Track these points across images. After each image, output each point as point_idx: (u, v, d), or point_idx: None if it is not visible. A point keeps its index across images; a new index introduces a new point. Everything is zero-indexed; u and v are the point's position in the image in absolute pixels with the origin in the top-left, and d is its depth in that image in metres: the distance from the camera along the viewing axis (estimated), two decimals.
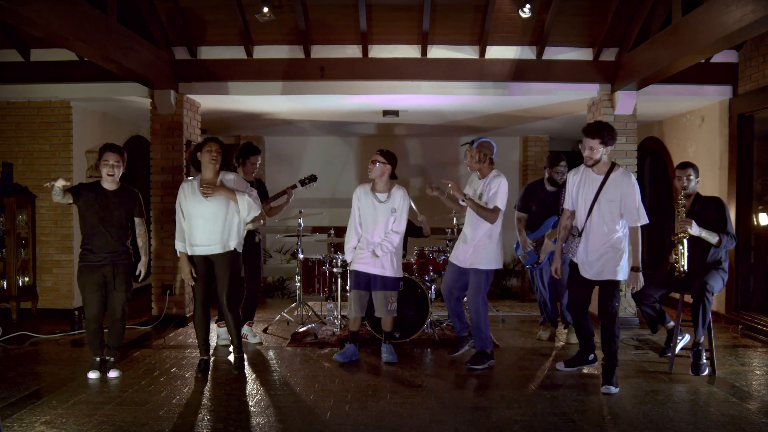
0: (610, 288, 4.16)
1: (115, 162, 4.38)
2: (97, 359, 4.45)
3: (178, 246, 4.50)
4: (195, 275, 4.46)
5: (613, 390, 4.08)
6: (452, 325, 6.00)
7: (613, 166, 4.12)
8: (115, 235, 4.41)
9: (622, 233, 4.10)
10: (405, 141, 9.81)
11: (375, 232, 4.79)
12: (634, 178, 4.10)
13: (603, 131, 4.04)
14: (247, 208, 4.38)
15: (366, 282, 4.81)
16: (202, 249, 4.41)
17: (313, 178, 5.58)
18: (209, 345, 4.63)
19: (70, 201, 4.31)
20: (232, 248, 4.44)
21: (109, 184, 4.43)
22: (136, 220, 4.54)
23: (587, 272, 4.22)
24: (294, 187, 5.45)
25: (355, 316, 4.85)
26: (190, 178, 4.58)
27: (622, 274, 4.11)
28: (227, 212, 4.41)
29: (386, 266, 4.76)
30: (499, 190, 4.52)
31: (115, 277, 4.40)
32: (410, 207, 5.86)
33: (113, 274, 4.39)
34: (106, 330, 4.49)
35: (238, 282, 4.67)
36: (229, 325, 4.54)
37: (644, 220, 4.05)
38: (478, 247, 4.59)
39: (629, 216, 4.07)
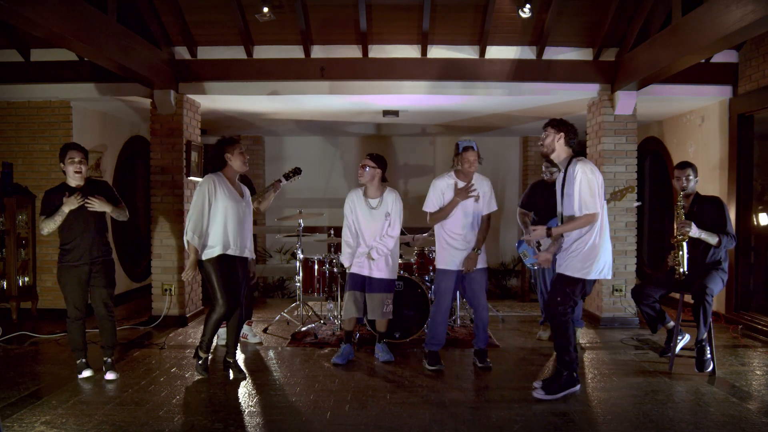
0: (560, 282, 3.98)
1: (80, 159, 4.34)
2: (83, 360, 4.42)
3: (193, 240, 4.21)
4: (222, 275, 4.27)
5: (543, 396, 3.96)
6: (452, 326, 6.04)
7: (571, 160, 3.98)
8: (90, 231, 4.35)
9: (591, 231, 3.90)
10: (405, 141, 9.81)
11: (369, 237, 4.81)
12: (586, 166, 3.87)
13: (554, 121, 4.04)
14: None
15: (362, 283, 4.83)
16: (234, 250, 4.33)
17: (297, 171, 5.52)
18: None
19: (60, 222, 4.29)
20: (253, 254, 4.58)
21: (76, 181, 4.37)
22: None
23: (559, 267, 4.07)
24: (279, 182, 5.39)
25: (350, 317, 4.87)
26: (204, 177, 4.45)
27: (580, 273, 3.90)
28: (250, 216, 4.51)
29: (382, 268, 4.78)
30: (492, 193, 4.70)
31: (94, 274, 4.37)
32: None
33: (91, 271, 4.36)
34: (96, 331, 4.45)
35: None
36: (235, 327, 4.48)
37: (582, 210, 3.83)
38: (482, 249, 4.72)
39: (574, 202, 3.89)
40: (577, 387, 4.07)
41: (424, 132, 9.43)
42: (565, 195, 3.98)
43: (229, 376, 4.46)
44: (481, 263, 4.63)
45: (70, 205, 4.25)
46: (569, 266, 3.95)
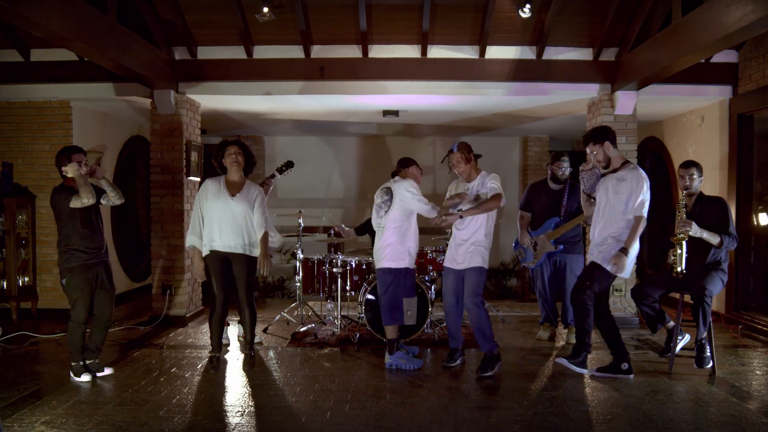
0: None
1: (86, 161, 4.36)
2: (81, 363, 4.39)
3: (192, 241, 4.56)
4: (212, 272, 4.55)
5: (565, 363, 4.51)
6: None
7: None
8: (98, 229, 4.41)
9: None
10: (405, 141, 9.81)
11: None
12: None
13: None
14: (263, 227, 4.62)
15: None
16: (220, 245, 4.50)
17: (290, 164, 5.49)
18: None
19: (93, 200, 4.24)
20: (253, 252, 4.60)
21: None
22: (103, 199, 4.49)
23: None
24: (273, 176, 5.39)
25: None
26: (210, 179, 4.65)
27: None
28: (249, 216, 4.57)
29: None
30: (495, 183, 4.48)
31: (104, 276, 4.40)
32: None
33: (104, 272, 4.40)
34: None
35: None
36: (246, 321, 4.67)
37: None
38: (476, 245, 4.49)
39: None
40: (585, 371, 4.49)
41: (424, 132, 9.42)
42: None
43: (228, 376, 4.46)
44: None
45: (72, 170, 4.18)
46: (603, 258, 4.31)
